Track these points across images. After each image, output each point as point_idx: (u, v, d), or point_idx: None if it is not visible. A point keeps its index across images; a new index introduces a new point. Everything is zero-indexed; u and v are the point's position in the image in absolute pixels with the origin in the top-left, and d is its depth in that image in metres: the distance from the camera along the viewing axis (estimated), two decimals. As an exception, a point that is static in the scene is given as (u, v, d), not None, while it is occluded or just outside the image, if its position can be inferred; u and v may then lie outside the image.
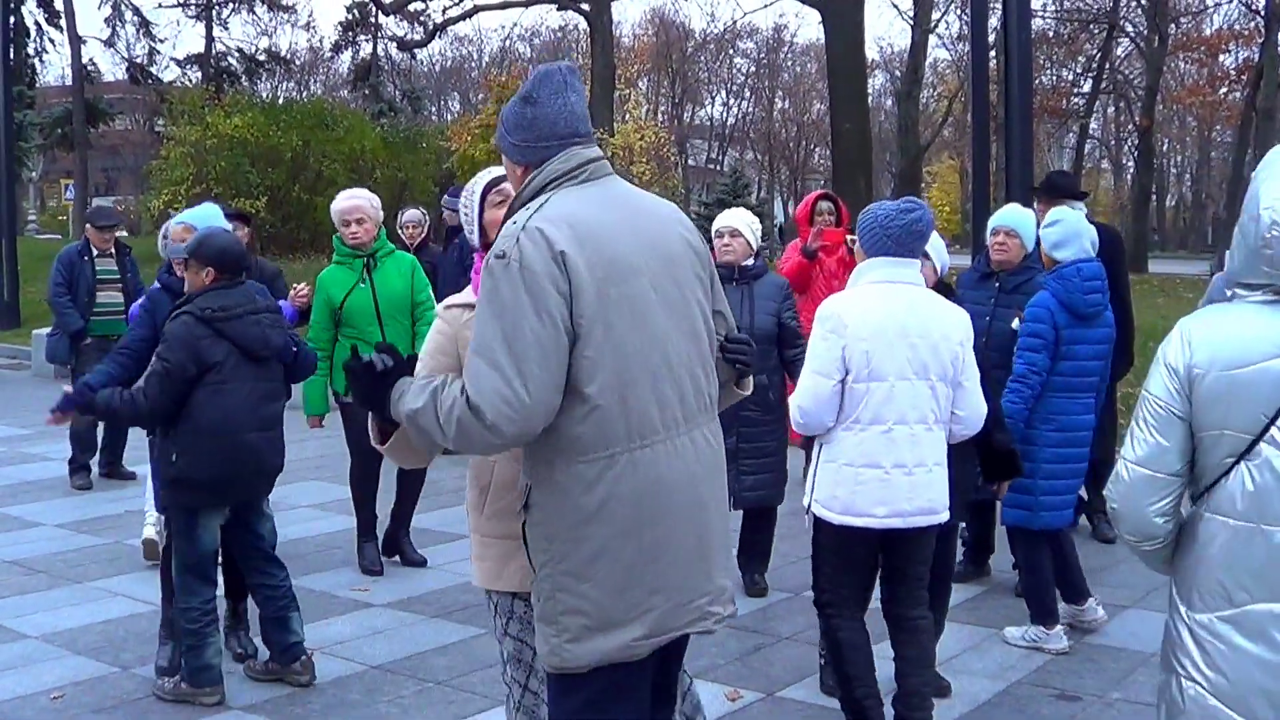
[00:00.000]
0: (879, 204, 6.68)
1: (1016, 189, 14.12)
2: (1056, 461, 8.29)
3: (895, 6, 56.97)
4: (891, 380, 6.35)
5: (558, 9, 48.14)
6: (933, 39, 52.35)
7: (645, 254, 4.28)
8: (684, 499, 4.31)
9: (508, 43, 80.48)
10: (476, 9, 46.02)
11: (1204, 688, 3.93)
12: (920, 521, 6.52)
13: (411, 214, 15.67)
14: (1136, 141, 61.35)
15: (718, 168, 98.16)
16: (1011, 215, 9.29)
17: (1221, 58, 54.84)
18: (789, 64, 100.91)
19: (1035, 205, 10.39)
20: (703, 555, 4.40)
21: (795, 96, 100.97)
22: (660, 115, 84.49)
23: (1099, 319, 8.36)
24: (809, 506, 6.63)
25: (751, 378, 4.86)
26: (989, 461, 7.28)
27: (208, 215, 8.21)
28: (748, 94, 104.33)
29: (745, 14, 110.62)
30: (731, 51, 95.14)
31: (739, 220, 9.35)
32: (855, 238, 6.89)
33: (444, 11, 48.37)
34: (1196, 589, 3.99)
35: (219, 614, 7.56)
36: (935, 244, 7.31)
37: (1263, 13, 48.48)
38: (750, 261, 9.26)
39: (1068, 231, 8.44)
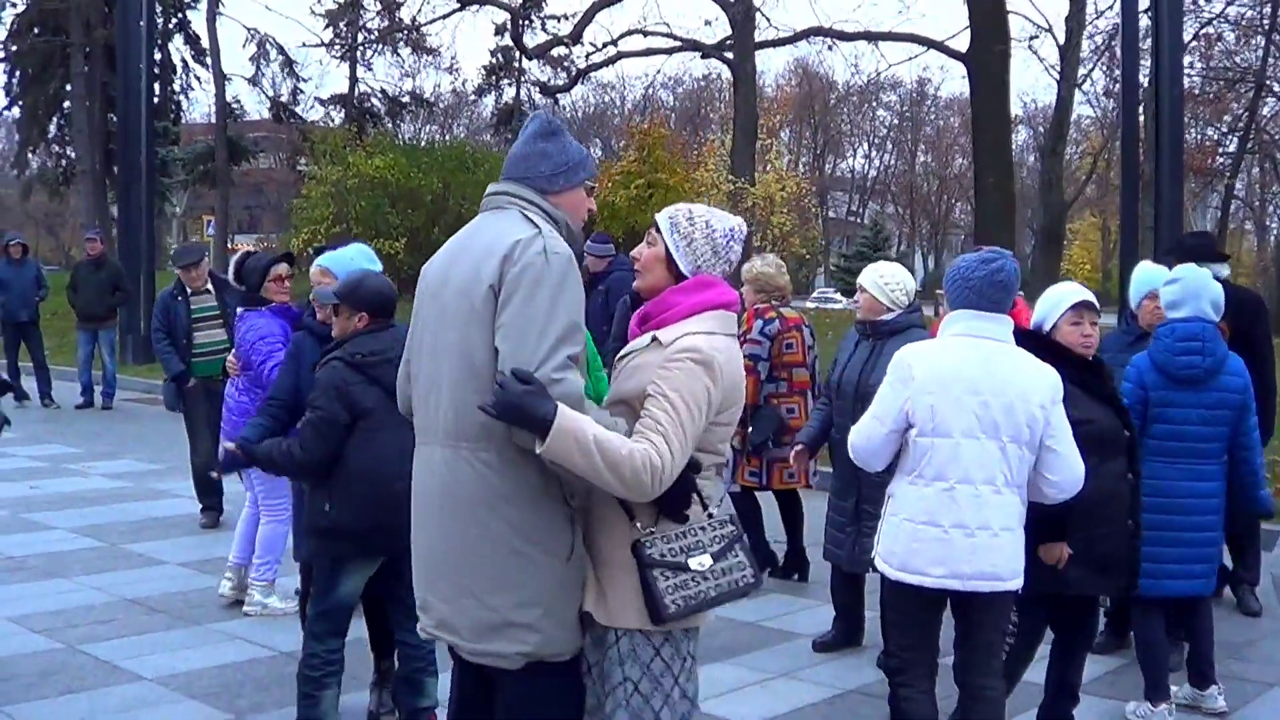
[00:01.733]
0: (963, 256, 6.51)
1: (1163, 247, 13.80)
2: (1158, 529, 7.79)
3: (1041, 61, 56.33)
4: (957, 437, 6.15)
5: (701, 57, 48.15)
6: (1078, 95, 51.81)
7: (440, 278, 4.87)
8: (418, 505, 4.95)
9: (650, 90, 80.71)
10: (620, 55, 46.19)
11: None
12: (980, 586, 6.22)
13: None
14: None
15: (858, 220, 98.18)
16: (1151, 274, 9.05)
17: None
18: (931, 117, 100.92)
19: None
20: (420, 565, 4.96)
21: (937, 150, 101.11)
22: (801, 166, 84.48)
23: (1205, 383, 7.94)
24: (873, 559, 6.56)
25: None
26: (1039, 523, 6.91)
27: (349, 258, 8.02)
28: (889, 146, 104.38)
29: (890, 65, 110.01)
30: (874, 103, 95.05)
31: (865, 277, 9.16)
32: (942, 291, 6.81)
33: (587, 57, 48.56)
34: None
35: (342, 666, 7.31)
36: None
37: None
38: (887, 317, 8.96)
39: (1185, 291, 8.08)
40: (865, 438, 6.37)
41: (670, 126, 56.95)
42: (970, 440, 6.15)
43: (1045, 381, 6.30)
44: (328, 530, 7.05)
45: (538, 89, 58.42)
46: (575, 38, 44.50)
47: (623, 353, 4.91)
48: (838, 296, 73.55)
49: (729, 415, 4.78)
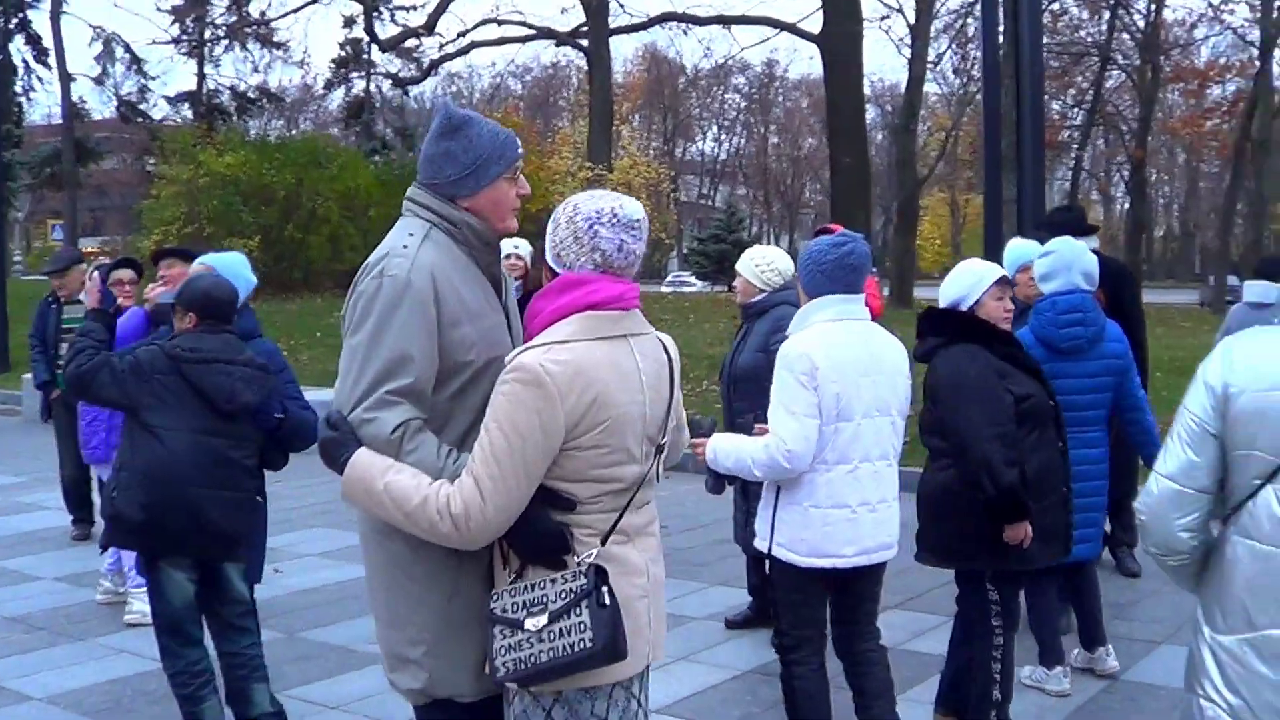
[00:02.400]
0: (814, 241, 6.57)
1: (1029, 223, 13.84)
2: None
3: (893, 41, 56.91)
4: (858, 419, 6.26)
5: (556, 45, 48.06)
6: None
7: None
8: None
9: (499, 80, 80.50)
10: (473, 45, 46.03)
11: (1222, 709, 3.94)
12: (881, 556, 6.45)
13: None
14: (1128, 173, 61.49)
15: (708, 202, 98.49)
16: (1025, 249, 9.13)
17: (1212, 89, 55.04)
18: (780, 99, 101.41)
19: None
20: None
21: (787, 131, 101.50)
22: (651, 151, 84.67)
23: (1088, 352, 8.07)
24: (769, 550, 6.46)
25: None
26: (998, 505, 6.94)
27: (227, 262, 7.77)
28: (739, 129, 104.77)
29: (743, 49, 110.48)
30: (723, 87, 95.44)
31: (740, 263, 9.18)
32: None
33: (440, 48, 48.31)
34: (1220, 610, 3.98)
35: (212, 674, 7.10)
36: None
37: (1256, 44, 48.55)
38: (756, 299, 9.04)
39: (1057, 264, 8.19)
40: (805, 440, 6.18)
41: (520, 115, 56.87)
42: (868, 420, 6.28)
43: (904, 355, 6.56)
44: (111, 517, 6.86)
45: (390, 81, 57.99)
46: (430, 28, 44.29)
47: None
48: (693, 280, 73.71)
49: (595, 437, 4.14)
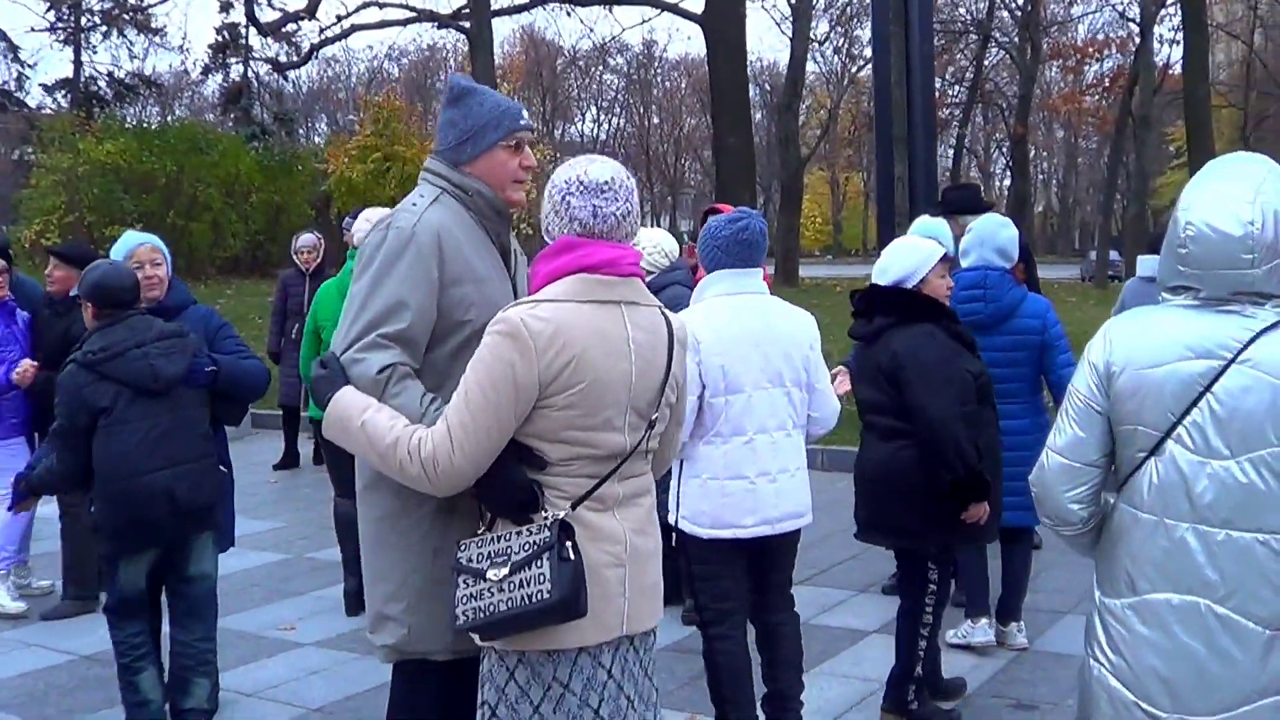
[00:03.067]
0: (712, 219, 6.72)
1: (921, 201, 13.94)
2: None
3: (776, 21, 57.06)
4: (749, 391, 6.36)
5: (437, 27, 47.77)
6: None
7: None
8: None
9: (376, 63, 79.91)
10: (354, 28, 45.61)
11: (1107, 669, 4.14)
12: (788, 526, 6.54)
13: (307, 238, 15.41)
14: (1008, 149, 62.06)
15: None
16: (932, 227, 9.10)
17: (1093, 65, 55.74)
18: (660, 80, 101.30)
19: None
20: None
21: (667, 111, 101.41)
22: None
23: (993, 328, 8.19)
24: (675, 524, 6.51)
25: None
26: (963, 486, 7.01)
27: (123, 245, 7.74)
28: (618, 109, 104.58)
29: (624, 29, 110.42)
30: (602, 67, 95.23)
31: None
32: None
33: (320, 32, 47.91)
34: (1109, 576, 4.18)
35: (150, 648, 7.09)
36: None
37: (1137, 21, 49.12)
38: (645, 282, 8.93)
39: (971, 241, 8.43)
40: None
41: (399, 98, 56.60)
42: (760, 391, 6.38)
43: (809, 326, 6.64)
44: (95, 529, 6.86)
45: (270, 66, 57.33)
46: (311, 12, 43.84)
47: None
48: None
49: (569, 398, 4.11)
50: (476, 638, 4.20)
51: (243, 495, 11.64)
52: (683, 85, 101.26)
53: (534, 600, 4.01)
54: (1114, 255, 55.46)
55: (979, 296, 8.18)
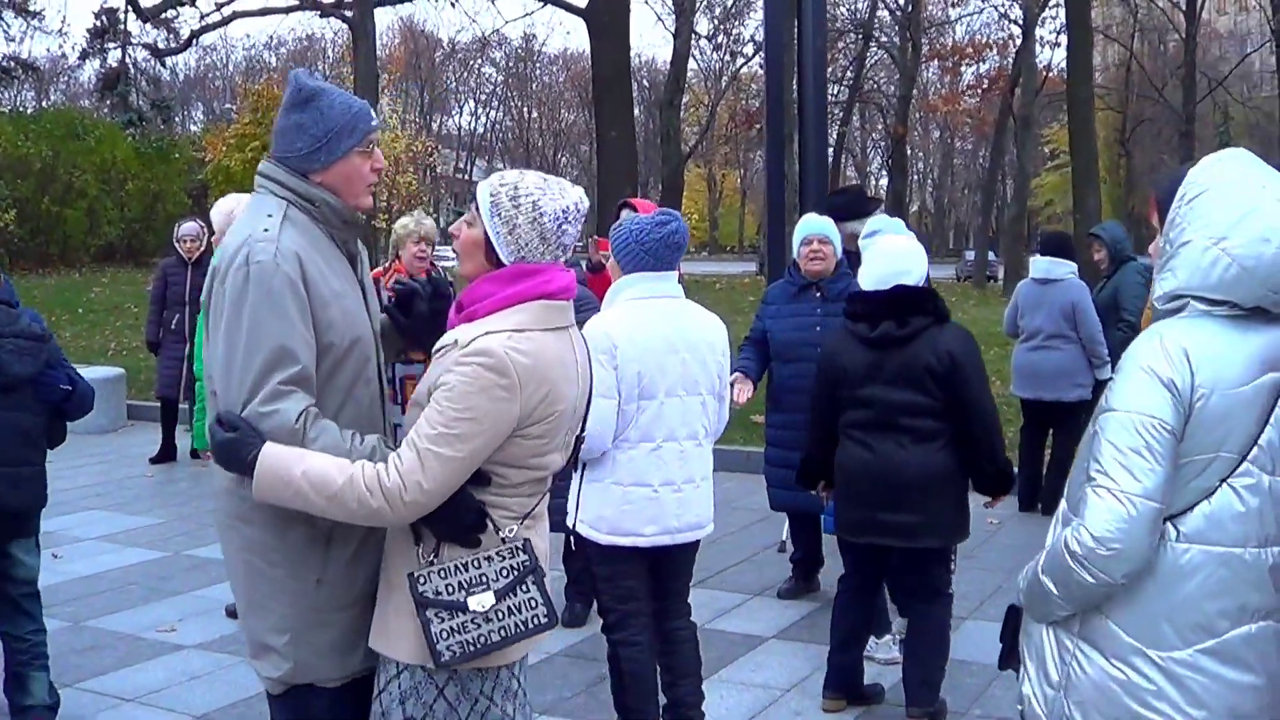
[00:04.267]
0: (633, 218, 6.58)
1: (811, 198, 13.95)
2: None
3: (660, 17, 57.16)
4: (661, 397, 6.31)
5: (320, 16, 47.29)
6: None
7: None
8: None
9: (254, 51, 79.23)
10: (235, 15, 45.24)
11: None
12: (688, 537, 6.49)
13: (189, 227, 15.08)
14: (886, 148, 62.57)
15: (464, 177, 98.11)
16: (821, 224, 9.13)
17: (974, 66, 56.28)
18: (538, 73, 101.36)
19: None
20: None
21: (545, 105, 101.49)
22: (408, 125, 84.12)
23: None
24: (573, 526, 6.48)
25: None
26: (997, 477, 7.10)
27: None
28: (496, 103, 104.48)
29: (506, 22, 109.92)
30: (480, 61, 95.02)
31: None
32: (608, 254, 6.73)
33: (201, 18, 47.33)
34: (1170, 625, 3.70)
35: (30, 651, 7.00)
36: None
37: (1019, 22, 49.64)
38: None
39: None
40: (598, 420, 6.01)
41: (279, 88, 56.02)
42: (673, 399, 6.32)
43: (721, 332, 6.62)
44: None
45: (149, 52, 56.50)
46: (193, -2, 43.40)
47: (436, 347, 4.27)
48: (449, 254, 73.53)
49: (543, 428, 4.12)
50: (428, 657, 4.07)
51: (119, 490, 11.42)
52: (561, 79, 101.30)
53: (530, 625, 4.06)
54: (991, 255, 56.08)
55: None
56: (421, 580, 4.04)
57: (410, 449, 3.95)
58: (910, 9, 54.27)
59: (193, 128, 75.06)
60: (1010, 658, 4.21)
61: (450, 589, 4.03)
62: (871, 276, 7.09)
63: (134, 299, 26.38)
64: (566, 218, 4.20)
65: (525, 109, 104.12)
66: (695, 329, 6.45)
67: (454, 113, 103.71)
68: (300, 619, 4.27)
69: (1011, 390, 12.75)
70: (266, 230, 4.16)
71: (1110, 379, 3.85)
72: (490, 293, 4.17)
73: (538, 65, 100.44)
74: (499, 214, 4.17)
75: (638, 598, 6.54)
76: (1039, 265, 12.56)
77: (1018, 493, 12.49)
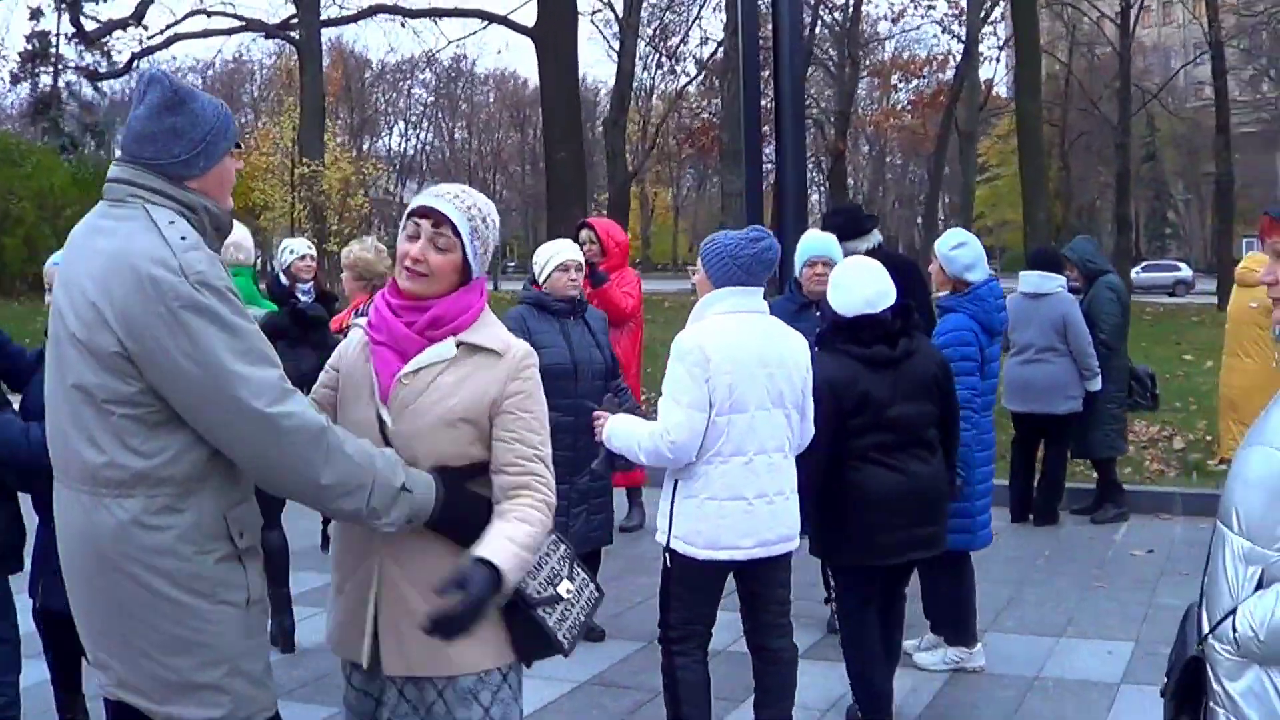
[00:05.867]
0: (724, 233, 6.57)
1: (790, 217, 13.94)
2: (985, 480, 8.45)
3: (606, 37, 57.14)
4: (752, 411, 6.31)
5: (266, 37, 47.09)
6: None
7: (63, 298, 4.08)
8: (64, 555, 4.16)
9: (180, 74, 78.71)
10: (177, 38, 44.83)
11: None
12: (782, 549, 6.52)
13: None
14: (825, 164, 62.83)
15: (395, 199, 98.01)
16: (827, 244, 9.12)
17: (912, 82, 56.65)
18: (469, 94, 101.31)
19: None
20: (83, 622, 4.20)
21: (475, 126, 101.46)
22: (337, 147, 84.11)
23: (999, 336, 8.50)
24: (667, 544, 6.48)
25: None
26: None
27: None
28: (426, 124, 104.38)
29: (450, 42, 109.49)
30: (410, 82, 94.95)
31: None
32: (696, 267, 6.70)
33: (141, 41, 47.01)
34: None
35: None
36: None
37: (962, 39, 50.01)
38: None
39: (977, 254, 8.45)
40: (689, 431, 6.19)
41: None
42: (763, 412, 6.34)
43: (805, 349, 6.62)
44: None
45: (85, 77, 56.10)
46: (139, 18, 43.04)
47: (417, 366, 4.28)
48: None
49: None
50: (503, 657, 4.31)
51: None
52: (491, 99, 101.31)
53: (594, 600, 4.56)
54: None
55: (1004, 305, 8.61)
56: (523, 584, 4.21)
57: (539, 465, 4.27)
58: (849, 25, 54.59)
59: (118, 153, 74.76)
60: (1185, 713, 4.01)
61: (542, 586, 4.29)
62: (861, 299, 7.12)
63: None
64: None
65: (456, 130, 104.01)
66: (782, 344, 6.50)
67: (383, 134, 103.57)
68: (236, 648, 4.09)
69: (1003, 403, 12.78)
70: (184, 238, 3.93)
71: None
72: (469, 304, 4.35)
73: (468, 86, 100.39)
74: (478, 236, 4.32)
75: (706, 619, 6.58)
76: (1028, 280, 12.62)
77: (1010, 505, 12.61)
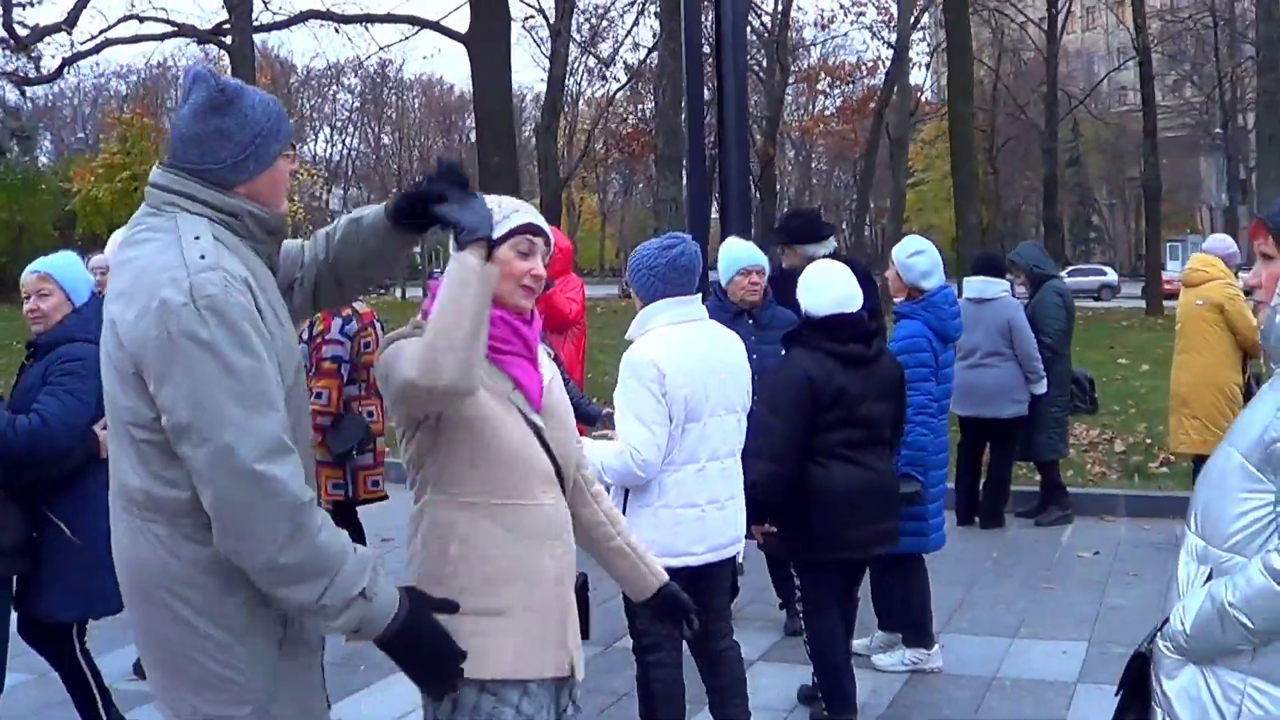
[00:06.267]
0: (643, 245, 6.57)
1: (735, 225, 13.95)
2: (938, 484, 8.56)
3: (537, 43, 57.01)
4: (705, 419, 6.34)
5: (198, 43, 46.74)
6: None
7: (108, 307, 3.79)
8: (119, 574, 3.96)
9: (102, 80, 78.32)
10: (107, 43, 44.34)
11: None
12: (730, 551, 6.58)
13: (101, 258, 14.79)
14: (756, 170, 62.95)
15: (321, 204, 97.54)
16: (759, 255, 9.07)
17: (841, 88, 56.84)
18: (394, 99, 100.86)
19: (780, 250, 10.38)
20: (139, 648, 4.07)
21: (401, 131, 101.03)
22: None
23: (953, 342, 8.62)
24: None
25: None
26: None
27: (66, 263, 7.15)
28: (352, 130, 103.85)
29: (381, 48, 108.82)
30: (336, 87, 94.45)
31: None
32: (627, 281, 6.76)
33: (72, 46, 46.49)
34: None
35: None
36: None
37: (892, 45, 50.23)
38: None
39: (933, 261, 8.52)
40: (656, 448, 6.18)
41: (139, 116, 55.33)
42: (714, 419, 6.39)
43: (744, 351, 6.73)
44: None
45: (12, 82, 55.48)
46: (72, 23, 42.54)
47: (551, 374, 4.35)
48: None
49: None
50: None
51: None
52: (418, 105, 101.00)
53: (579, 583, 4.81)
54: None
55: (959, 312, 8.76)
56: None
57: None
58: (777, 31, 54.78)
59: (42, 159, 74.10)
60: (1133, 710, 4.06)
61: None
62: (832, 299, 7.19)
63: (14, 334, 25.68)
64: None
65: (382, 135, 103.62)
66: (725, 349, 6.55)
67: (309, 140, 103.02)
68: (263, 690, 3.86)
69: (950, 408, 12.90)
70: (203, 257, 3.65)
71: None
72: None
73: (394, 91, 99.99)
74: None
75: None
76: (972, 285, 12.70)
77: (956, 507, 12.69)
